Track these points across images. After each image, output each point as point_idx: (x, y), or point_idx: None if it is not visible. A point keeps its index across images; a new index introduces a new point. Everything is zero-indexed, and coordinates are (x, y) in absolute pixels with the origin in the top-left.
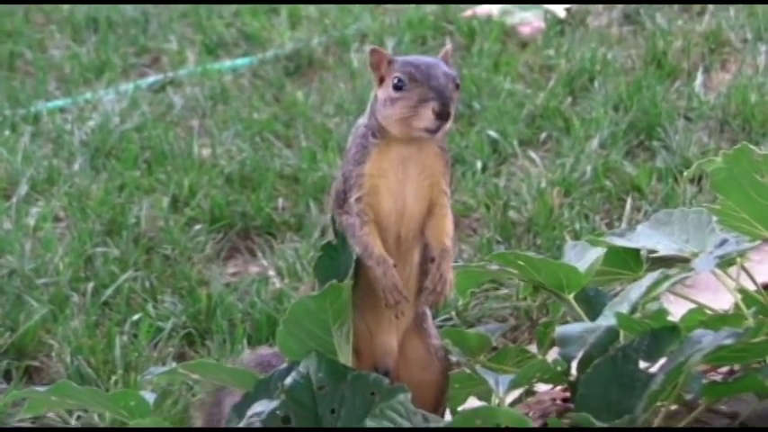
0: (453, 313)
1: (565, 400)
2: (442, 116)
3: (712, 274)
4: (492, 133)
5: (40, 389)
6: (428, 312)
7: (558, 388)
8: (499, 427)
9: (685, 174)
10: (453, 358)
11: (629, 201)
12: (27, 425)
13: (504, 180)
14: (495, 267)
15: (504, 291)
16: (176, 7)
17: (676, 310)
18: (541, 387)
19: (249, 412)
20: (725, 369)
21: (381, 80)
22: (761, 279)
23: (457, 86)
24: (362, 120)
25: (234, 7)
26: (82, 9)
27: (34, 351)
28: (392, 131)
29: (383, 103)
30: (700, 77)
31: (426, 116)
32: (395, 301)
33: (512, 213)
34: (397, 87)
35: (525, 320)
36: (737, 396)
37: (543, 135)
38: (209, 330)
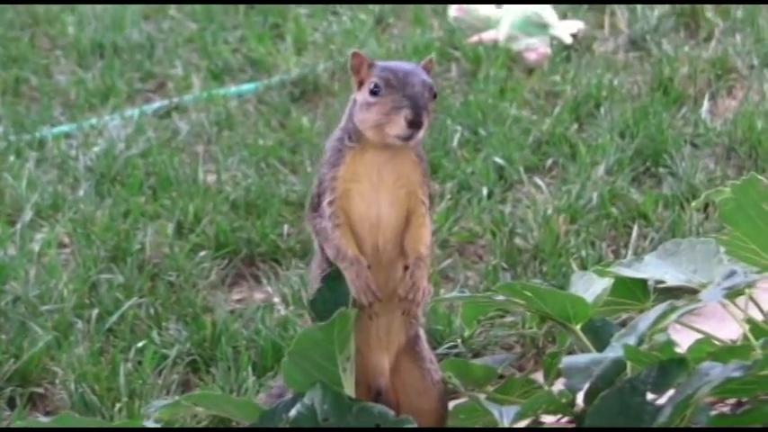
0: (459, 341)
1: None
2: (414, 124)
3: (719, 303)
4: (498, 160)
5: (44, 419)
6: (422, 335)
7: (565, 419)
8: None
9: (693, 204)
10: (450, 385)
11: (635, 228)
12: None
13: (509, 207)
14: (501, 298)
15: (509, 318)
16: (182, 32)
17: (682, 338)
18: (547, 418)
19: None
20: (733, 401)
21: (361, 84)
22: None
23: (434, 95)
24: (341, 125)
25: (240, 33)
26: (87, 34)
27: (38, 378)
28: (368, 136)
29: (360, 106)
30: (706, 104)
31: (399, 123)
32: (368, 303)
33: (518, 240)
34: (374, 92)
35: (531, 348)
36: (746, 429)
37: (549, 161)
38: (214, 358)
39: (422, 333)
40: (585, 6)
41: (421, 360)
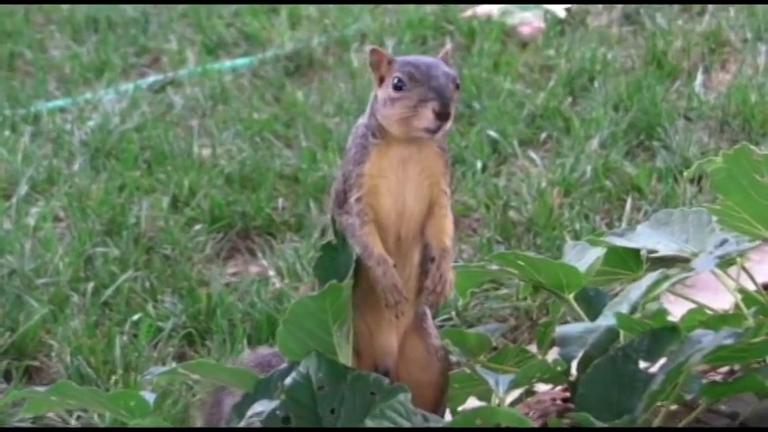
0: (453, 313)
1: (565, 400)
2: (442, 116)
3: (712, 274)
4: (492, 133)
5: (40, 389)
6: (428, 312)
7: (558, 388)
8: (499, 427)
9: (685, 174)
10: (453, 358)
11: (629, 201)
12: (27, 425)
13: (504, 180)
14: (495, 267)
15: (503, 291)
16: (176, 7)
17: (676, 309)
18: (541, 387)
19: (249, 412)
20: (725, 369)
21: (381, 80)
22: (761, 279)
23: (457, 86)
24: (362, 120)
25: (234, 7)
26: (82, 9)
27: (34, 351)
28: (392, 131)
29: (383, 103)
30: (700, 77)
31: (426, 116)
32: (395, 302)
33: (512, 213)
34: (397, 87)
35: (525, 320)
36: (737, 396)
37: (543, 135)
38: (209, 330)
39: (428, 310)
40: None
41: (427, 336)
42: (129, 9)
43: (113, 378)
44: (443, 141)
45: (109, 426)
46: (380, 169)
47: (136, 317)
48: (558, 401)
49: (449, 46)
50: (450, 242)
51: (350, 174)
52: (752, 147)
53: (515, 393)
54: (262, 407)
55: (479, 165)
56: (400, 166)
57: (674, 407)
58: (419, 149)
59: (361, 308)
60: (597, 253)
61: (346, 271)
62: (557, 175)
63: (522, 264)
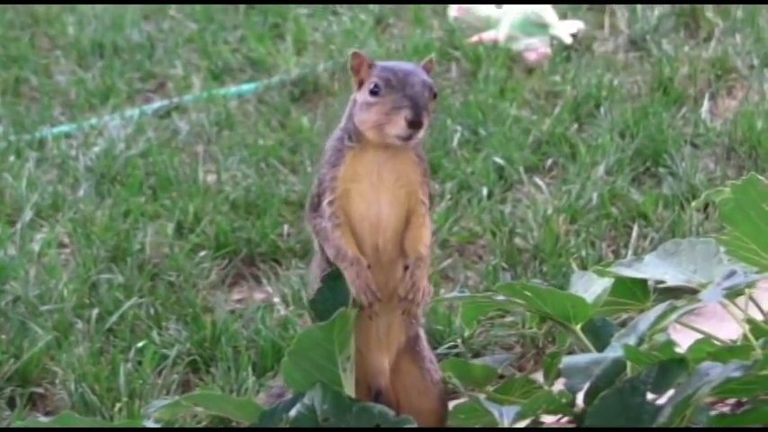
0: (459, 341)
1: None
2: (414, 125)
3: (719, 303)
4: (498, 160)
5: (44, 419)
6: (422, 335)
7: (565, 419)
8: None
9: (693, 204)
10: (451, 385)
11: (635, 228)
12: None
13: (509, 207)
14: (501, 298)
15: (509, 318)
16: (182, 33)
17: (682, 338)
18: (547, 418)
19: None
20: (733, 401)
21: (360, 84)
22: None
23: (434, 95)
24: (340, 125)
25: (239, 33)
26: (87, 34)
27: (38, 378)
28: (368, 136)
29: (360, 106)
30: (706, 104)
31: (399, 124)
32: (368, 303)
33: (518, 240)
34: (374, 92)
35: (531, 348)
36: (746, 429)
37: (549, 161)
38: (214, 358)
39: (422, 333)
40: (585, 6)
41: (421, 360)
42: (135, 34)
43: (117, 406)
44: (421, 149)
45: None
46: (354, 174)
47: (140, 344)
48: None
49: (432, 55)
50: (425, 250)
51: (324, 177)
52: (760, 177)
53: (521, 425)
54: None
55: (485, 191)
56: (375, 172)
57: None
58: (395, 156)
59: None
60: (605, 284)
61: (345, 300)
62: (563, 201)
63: (529, 294)
